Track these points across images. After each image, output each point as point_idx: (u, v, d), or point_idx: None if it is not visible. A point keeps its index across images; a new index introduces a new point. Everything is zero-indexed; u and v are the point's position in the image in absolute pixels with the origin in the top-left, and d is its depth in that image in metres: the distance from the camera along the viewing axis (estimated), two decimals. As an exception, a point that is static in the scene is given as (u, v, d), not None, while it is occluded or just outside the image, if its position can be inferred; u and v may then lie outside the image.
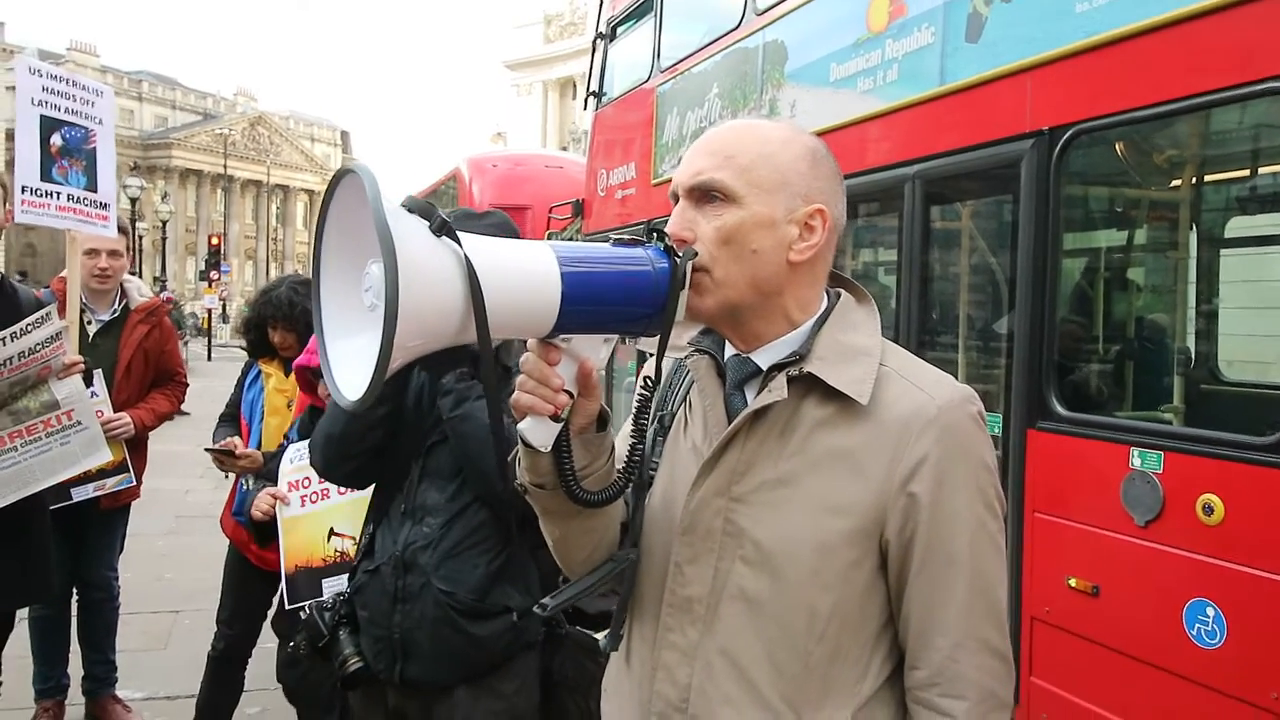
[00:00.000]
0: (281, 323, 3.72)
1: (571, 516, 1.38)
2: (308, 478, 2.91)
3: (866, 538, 1.28)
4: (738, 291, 1.30)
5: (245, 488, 3.54)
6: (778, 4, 5.14)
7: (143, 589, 4.77)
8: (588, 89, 8.02)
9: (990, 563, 1.28)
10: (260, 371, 3.94)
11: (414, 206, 1.09)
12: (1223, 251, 3.55)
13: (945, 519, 1.26)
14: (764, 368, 1.35)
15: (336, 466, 2.50)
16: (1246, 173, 3.53)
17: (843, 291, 1.42)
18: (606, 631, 1.47)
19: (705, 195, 1.31)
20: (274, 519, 3.00)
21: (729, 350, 1.41)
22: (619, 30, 7.68)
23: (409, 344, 1.04)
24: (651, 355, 1.28)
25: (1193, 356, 3.51)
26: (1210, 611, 2.66)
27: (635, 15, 7.37)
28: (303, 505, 2.89)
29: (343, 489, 2.79)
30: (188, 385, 4.60)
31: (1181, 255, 3.57)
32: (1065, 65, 3.26)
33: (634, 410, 1.35)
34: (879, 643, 1.32)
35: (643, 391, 1.33)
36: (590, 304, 1.18)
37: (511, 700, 2.39)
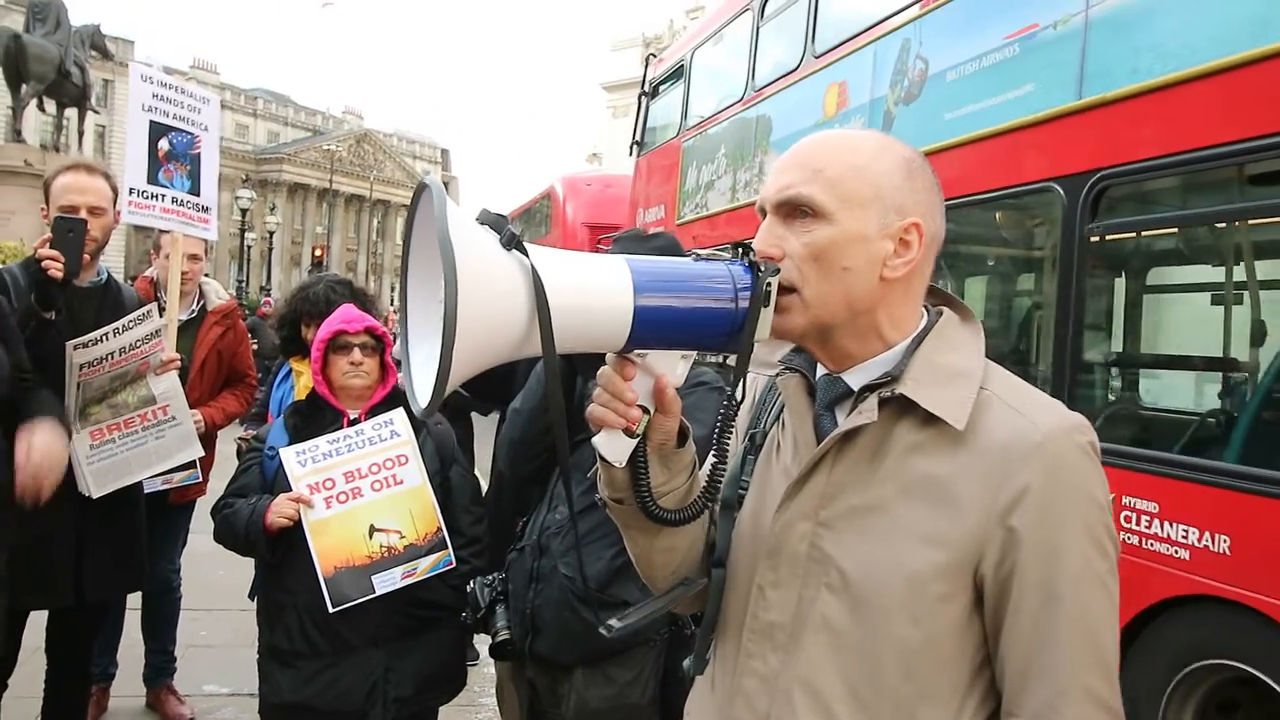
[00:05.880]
0: (316, 320, 3.62)
1: (652, 534, 1.34)
2: (330, 479, 2.82)
3: (960, 571, 1.18)
4: (829, 311, 1.22)
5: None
6: (769, 84, 6.26)
7: (231, 586, 4.69)
8: (632, 138, 9.21)
9: (1097, 606, 1.17)
10: (291, 370, 3.98)
11: (487, 220, 1.11)
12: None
13: (1047, 556, 1.15)
14: (855, 388, 1.27)
15: (521, 466, 2.63)
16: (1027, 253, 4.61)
17: (945, 309, 1.32)
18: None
19: (794, 210, 1.23)
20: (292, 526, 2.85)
21: (820, 369, 1.33)
22: (659, 89, 8.87)
23: (470, 352, 1.04)
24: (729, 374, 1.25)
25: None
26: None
27: (672, 78, 8.59)
28: (328, 506, 2.80)
29: (376, 486, 2.84)
30: (257, 387, 4.67)
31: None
32: (937, 158, 4.30)
33: (716, 430, 1.29)
34: (975, 685, 1.21)
35: (725, 411, 1.28)
36: (665, 320, 1.15)
37: (624, 689, 2.45)
